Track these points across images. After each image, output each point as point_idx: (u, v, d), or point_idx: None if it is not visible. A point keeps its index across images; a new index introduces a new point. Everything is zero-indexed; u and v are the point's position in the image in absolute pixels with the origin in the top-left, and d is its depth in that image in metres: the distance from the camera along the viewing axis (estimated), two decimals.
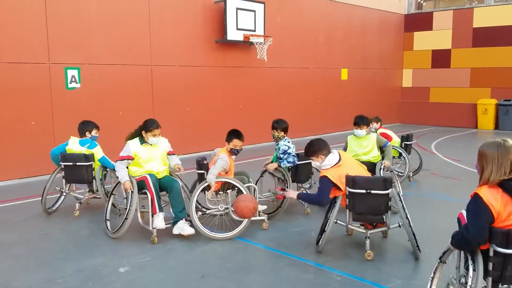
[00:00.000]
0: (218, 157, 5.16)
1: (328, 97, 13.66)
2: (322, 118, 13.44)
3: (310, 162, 5.79)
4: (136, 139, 5.12)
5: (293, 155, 5.67)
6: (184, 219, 4.92)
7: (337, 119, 13.61)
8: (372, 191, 4.23)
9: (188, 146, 10.10)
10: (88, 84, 8.55)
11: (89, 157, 5.68)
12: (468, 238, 2.80)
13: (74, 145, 5.83)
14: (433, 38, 15.85)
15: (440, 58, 15.70)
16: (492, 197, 2.77)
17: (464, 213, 3.09)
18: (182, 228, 4.85)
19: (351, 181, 4.27)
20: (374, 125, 7.37)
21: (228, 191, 5.17)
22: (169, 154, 5.36)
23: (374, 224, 4.53)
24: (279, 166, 5.66)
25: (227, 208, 5.13)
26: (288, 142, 5.80)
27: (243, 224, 4.97)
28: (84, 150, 5.75)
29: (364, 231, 4.47)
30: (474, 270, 2.87)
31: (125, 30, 8.98)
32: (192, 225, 4.94)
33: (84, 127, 5.91)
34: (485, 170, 2.87)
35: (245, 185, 5.18)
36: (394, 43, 16.25)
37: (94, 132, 5.95)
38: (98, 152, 5.80)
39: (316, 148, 4.53)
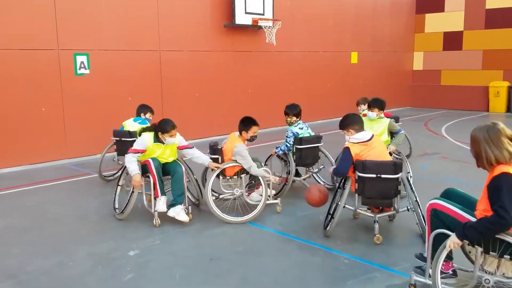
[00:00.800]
0: (237, 148, 5.09)
1: (338, 81, 13.55)
2: (332, 102, 13.36)
3: (316, 147, 5.83)
4: (151, 135, 5.07)
5: (286, 143, 5.83)
6: (182, 204, 4.93)
7: (347, 103, 13.47)
8: (382, 176, 4.22)
9: (198, 131, 10.12)
10: (97, 70, 8.57)
11: (133, 134, 6.09)
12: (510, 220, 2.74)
13: (129, 125, 6.50)
14: (444, 20, 15.58)
15: (452, 40, 15.45)
16: None
17: (441, 202, 3.09)
18: (177, 212, 4.85)
19: (361, 165, 4.26)
20: (362, 107, 7.28)
21: (242, 175, 5.19)
22: (180, 148, 5.28)
23: (381, 207, 4.53)
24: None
25: (242, 192, 5.16)
26: (300, 127, 5.89)
27: (258, 207, 5.01)
28: (137, 126, 6.25)
29: (373, 215, 4.47)
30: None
31: (133, 15, 8.96)
32: (188, 213, 4.95)
33: (141, 109, 6.68)
34: (480, 154, 2.94)
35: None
36: (405, 26, 16.00)
37: (148, 115, 6.65)
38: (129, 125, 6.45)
39: (349, 121, 4.52)
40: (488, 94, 14.66)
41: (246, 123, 5.24)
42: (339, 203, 4.46)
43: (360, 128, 4.51)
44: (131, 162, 4.93)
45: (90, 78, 8.51)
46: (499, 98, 14.40)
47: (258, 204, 5.05)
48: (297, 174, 6.16)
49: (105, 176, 6.74)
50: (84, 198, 6.01)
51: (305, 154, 5.80)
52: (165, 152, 5.13)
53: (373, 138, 4.47)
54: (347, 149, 4.38)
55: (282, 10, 11.51)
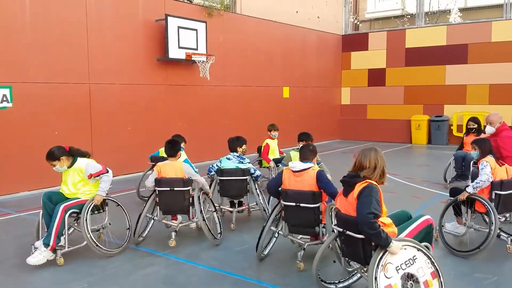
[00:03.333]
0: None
1: (271, 115, 13.83)
2: (266, 136, 13.56)
3: (241, 180, 5.93)
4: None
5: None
6: (45, 246, 4.63)
7: (280, 136, 13.77)
8: (301, 204, 4.42)
9: (129, 165, 9.84)
10: (20, 103, 8.15)
11: (165, 159, 6.29)
12: None
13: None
14: (369, 58, 16.59)
15: (376, 77, 16.44)
16: None
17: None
18: (34, 256, 4.58)
19: (284, 193, 4.50)
20: (273, 133, 8.45)
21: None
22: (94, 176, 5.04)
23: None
24: None
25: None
26: (228, 157, 6.13)
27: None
28: None
29: (302, 243, 4.69)
30: None
31: (61, 47, 8.68)
32: (59, 258, 4.69)
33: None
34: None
35: None
36: (333, 63, 16.83)
37: (182, 145, 6.80)
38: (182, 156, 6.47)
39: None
40: (410, 127, 15.63)
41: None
42: (265, 225, 4.68)
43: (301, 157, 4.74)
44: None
45: (13, 112, 8.05)
46: (420, 131, 15.39)
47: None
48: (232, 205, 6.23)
49: (143, 196, 7.28)
50: (2, 240, 5.57)
51: (227, 185, 5.93)
52: (66, 178, 5.02)
53: (304, 172, 4.55)
54: (281, 172, 4.72)
55: (215, 45, 11.69)
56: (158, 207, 5.27)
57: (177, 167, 5.30)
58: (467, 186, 5.08)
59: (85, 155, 5.12)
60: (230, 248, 5.24)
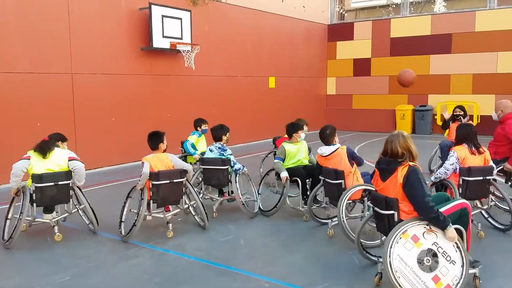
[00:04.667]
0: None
1: (257, 105, 13.84)
2: (251, 125, 13.58)
3: (222, 170, 5.96)
4: None
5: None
6: None
7: (267, 126, 13.81)
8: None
9: (114, 157, 9.76)
10: (2, 94, 8.00)
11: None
12: None
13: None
14: (354, 48, 16.62)
15: (361, 67, 16.49)
16: None
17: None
18: None
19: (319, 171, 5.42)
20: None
21: None
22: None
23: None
24: None
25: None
26: (210, 149, 6.21)
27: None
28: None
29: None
30: None
31: (43, 36, 8.52)
32: None
33: (196, 123, 7.58)
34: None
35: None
36: (319, 52, 16.83)
37: (204, 126, 7.53)
38: (190, 138, 7.36)
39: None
40: (395, 116, 15.75)
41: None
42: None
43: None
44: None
45: None
46: (404, 121, 15.52)
47: None
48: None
49: None
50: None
51: (208, 174, 6.01)
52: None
53: (334, 154, 5.37)
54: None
55: (201, 35, 11.59)
56: (145, 201, 5.16)
57: (164, 159, 5.28)
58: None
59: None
60: (215, 238, 5.25)
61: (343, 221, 4.74)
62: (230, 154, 6.07)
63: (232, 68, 12.92)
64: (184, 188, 5.34)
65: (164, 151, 5.40)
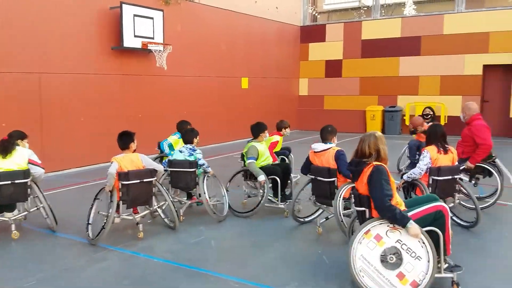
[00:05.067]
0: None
1: (230, 106, 13.82)
2: (224, 126, 13.55)
3: (190, 172, 5.89)
4: None
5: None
6: None
7: (239, 126, 13.80)
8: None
9: (83, 158, 9.58)
10: None
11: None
12: None
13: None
14: (326, 49, 16.79)
15: (333, 68, 16.68)
16: None
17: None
18: None
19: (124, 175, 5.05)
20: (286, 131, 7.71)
21: None
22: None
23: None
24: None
25: None
26: (180, 150, 6.06)
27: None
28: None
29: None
30: None
31: (9, 35, 8.28)
32: None
33: (180, 125, 7.41)
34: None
35: None
36: (291, 54, 16.94)
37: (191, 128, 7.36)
38: (169, 139, 7.29)
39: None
40: (365, 117, 15.99)
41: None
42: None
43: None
44: None
45: None
46: (375, 121, 15.78)
47: None
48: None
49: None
50: None
51: (175, 177, 5.93)
52: None
53: (325, 151, 5.38)
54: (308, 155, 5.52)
55: (173, 34, 11.50)
56: (114, 203, 5.07)
57: (134, 159, 5.23)
58: (405, 173, 5.52)
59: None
60: (185, 240, 5.21)
61: (341, 218, 4.82)
62: (199, 153, 5.98)
63: (205, 68, 12.86)
64: (153, 189, 5.29)
65: (134, 151, 5.34)
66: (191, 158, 5.89)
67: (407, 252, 3.60)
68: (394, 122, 15.43)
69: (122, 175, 5.02)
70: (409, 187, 5.50)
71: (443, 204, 3.91)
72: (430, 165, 5.27)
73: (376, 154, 3.89)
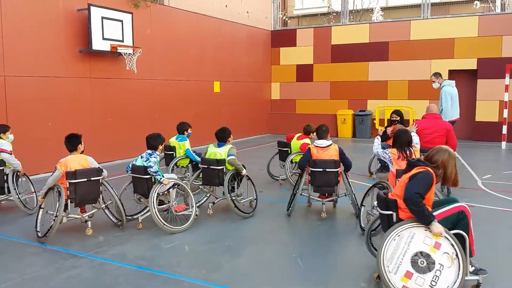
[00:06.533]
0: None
1: (202, 109, 13.72)
2: (195, 130, 13.38)
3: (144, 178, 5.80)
4: None
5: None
6: None
7: (211, 131, 13.67)
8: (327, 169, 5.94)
9: (50, 163, 9.29)
10: None
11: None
12: None
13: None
14: (297, 54, 16.93)
15: (304, 73, 16.82)
16: None
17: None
18: None
19: (313, 163, 6.03)
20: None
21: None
22: None
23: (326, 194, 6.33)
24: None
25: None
26: (141, 156, 5.92)
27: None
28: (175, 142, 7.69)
29: (321, 200, 6.22)
30: None
31: None
32: None
33: (183, 127, 7.95)
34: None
35: None
36: (263, 58, 16.99)
37: (190, 130, 8.04)
38: (185, 145, 7.66)
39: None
40: (336, 121, 16.19)
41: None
42: (297, 192, 6.12)
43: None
44: None
45: None
46: (345, 125, 15.99)
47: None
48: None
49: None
50: None
51: (134, 183, 5.84)
52: None
53: (328, 147, 6.16)
54: (308, 149, 6.25)
55: (143, 37, 11.35)
56: (62, 202, 5.11)
57: (81, 160, 5.41)
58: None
59: None
60: (158, 245, 5.12)
61: (366, 212, 5.50)
62: (152, 161, 5.59)
63: (176, 71, 12.75)
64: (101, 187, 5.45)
65: (82, 152, 5.54)
66: (146, 164, 5.61)
67: (438, 259, 3.57)
68: (365, 125, 15.67)
69: (70, 174, 5.19)
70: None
71: (465, 205, 3.93)
72: (390, 165, 5.46)
73: (442, 169, 3.91)
